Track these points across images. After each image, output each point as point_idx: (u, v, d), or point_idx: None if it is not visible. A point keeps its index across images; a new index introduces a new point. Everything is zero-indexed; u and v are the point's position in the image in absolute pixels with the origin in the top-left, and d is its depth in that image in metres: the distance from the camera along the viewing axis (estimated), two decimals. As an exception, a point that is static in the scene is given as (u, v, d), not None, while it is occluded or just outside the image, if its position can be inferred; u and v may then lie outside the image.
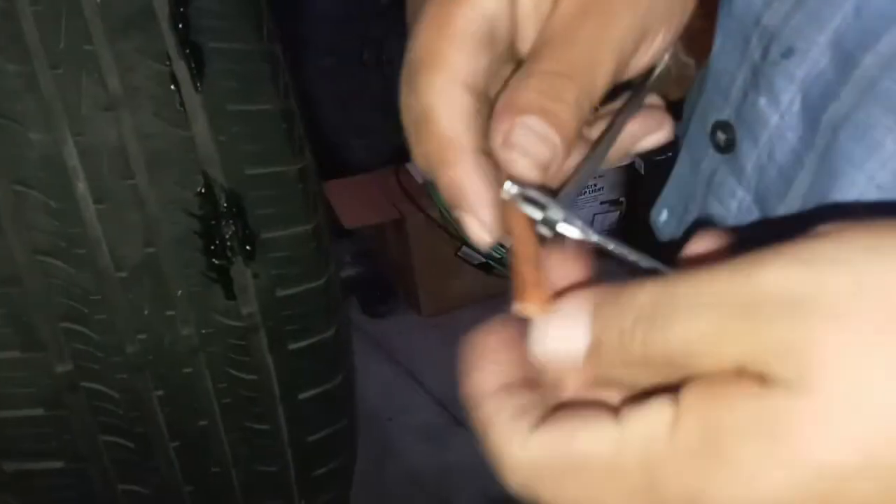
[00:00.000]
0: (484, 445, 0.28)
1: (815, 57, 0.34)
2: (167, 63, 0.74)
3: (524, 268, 0.29)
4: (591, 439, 0.25)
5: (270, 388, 0.81)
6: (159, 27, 0.74)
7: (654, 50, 0.35)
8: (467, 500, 1.57)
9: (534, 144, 0.31)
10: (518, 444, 0.26)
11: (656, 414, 0.24)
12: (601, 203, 1.93)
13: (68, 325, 0.75)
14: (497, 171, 0.32)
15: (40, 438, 0.78)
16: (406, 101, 0.33)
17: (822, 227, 0.24)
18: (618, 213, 1.95)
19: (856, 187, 0.33)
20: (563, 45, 0.32)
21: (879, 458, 0.22)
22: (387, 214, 1.88)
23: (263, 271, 0.78)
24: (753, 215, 0.39)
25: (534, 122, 0.31)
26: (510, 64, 0.35)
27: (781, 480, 0.22)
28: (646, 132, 0.37)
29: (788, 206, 0.36)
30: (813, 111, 0.34)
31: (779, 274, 0.23)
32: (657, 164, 1.81)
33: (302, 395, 0.83)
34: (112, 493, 0.82)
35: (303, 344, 0.82)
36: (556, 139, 0.31)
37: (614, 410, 0.26)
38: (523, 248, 0.29)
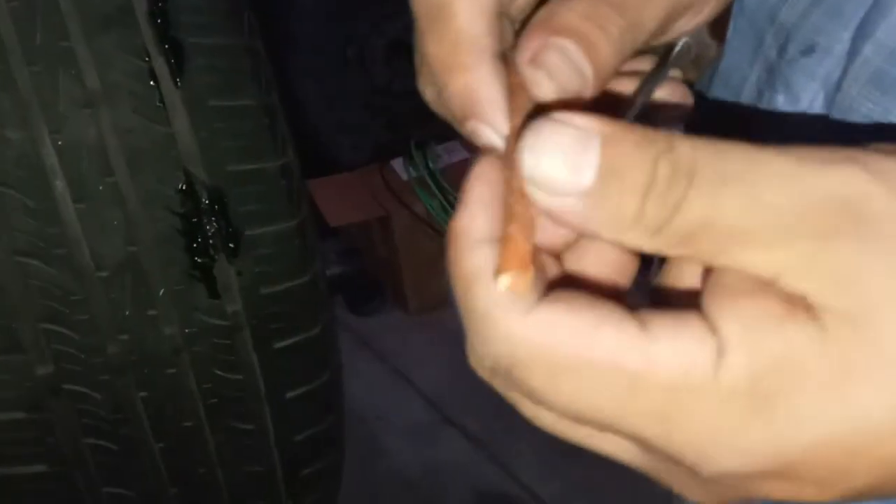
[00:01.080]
0: (464, 310, 0.23)
1: (839, 54, 0.33)
2: (146, 59, 0.73)
3: (515, 229, 0.23)
4: (614, 341, 0.21)
5: (256, 387, 0.80)
6: (138, 23, 0.73)
7: (699, 20, 0.32)
8: (457, 498, 1.57)
9: (564, 70, 0.27)
10: (515, 314, 0.22)
11: (696, 342, 0.20)
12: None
13: (49, 326, 0.74)
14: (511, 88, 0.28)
15: (22, 442, 0.77)
16: None
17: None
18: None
19: None
20: None
21: None
22: (372, 212, 1.87)
23: (247, 269, 0.78)
24: None
25: (569, 46, 0.26)
26: None
27: (844, 429, 0.20)
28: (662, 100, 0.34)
29: None
30: (828, 106, 0.34)
31: (854, 183, 0.20)
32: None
33: (288, 394, 0.82)
34: (97, 496, 0.81)
35: (288, 342, 0.81)
36: (588, 71, 0.27)
37: (632, 311, 0.21)
38: (521, 207, 0.23)
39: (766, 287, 0.21)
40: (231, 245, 0.77)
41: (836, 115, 0.33)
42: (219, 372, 0.78)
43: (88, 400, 0.77)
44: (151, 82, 0.73)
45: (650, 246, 0.21)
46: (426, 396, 1.75)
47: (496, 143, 0.28)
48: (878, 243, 0.20)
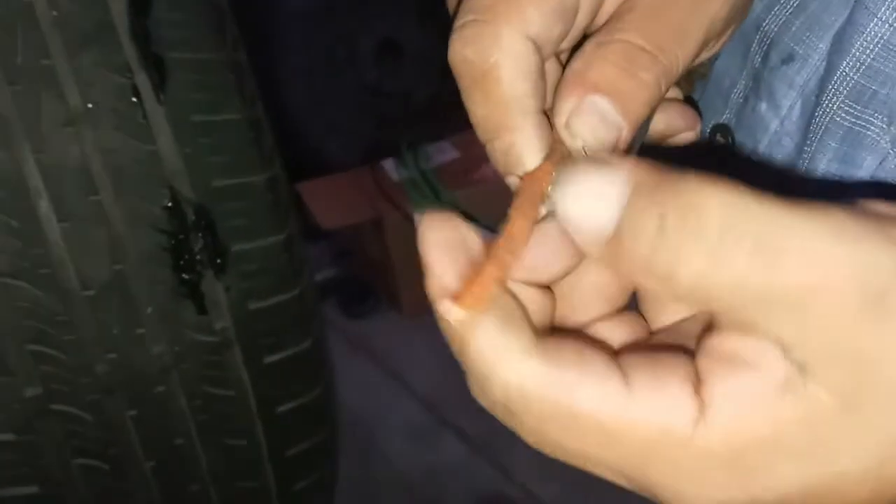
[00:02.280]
0: (462, 354, 0.25)
1: (815, 63, 0.34)
2: (128, 76, 0.72)
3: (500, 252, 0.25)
4: (595, 396, 0.22)
5: (247, 403, 0.79)
6: (119, 39, 0.72)
7: (717, 49, 0.32)
8: (455, 501, 1.57)
9: (598, 128, 0.28)
10: (511, 364, 0.23)
11: (675, 402, 0.21)
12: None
13: (35, 347, 0.73)
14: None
15: (12, 464, 0.76)
16: (461, 54, 0.29)
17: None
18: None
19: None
20: (652, 15, 0.28)
21: None
22: (364, 214, 1.87)
23: (235, 285, 0.77)
24: None
25: (603, 104, 0.27)
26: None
27: (817, 489, 0.21)
28: (670, 126, 0.34)
29: None
30: (806, 117, 0.34)
31: (880, 261, 0.20)
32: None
33: (280, 409, 0.81)
34: (88, 517, 0.80)
35: (278, 357, 0.80)
36: (623, 125, 0.28)
37: (616, 359, 0.23)
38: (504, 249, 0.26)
39: (766, 355, 0.21)
40: (218, 261, 0.76)
41: (818, 128, 0.33)
42: (209, 389, 0.78)
43: (78, 420, 0.76)
44: (134, 99, 0.73)
45: (666, 293, 0.22)
46: (422, 398, 1.75)
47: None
48: (877, 329, 0.20)
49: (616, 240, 0.22)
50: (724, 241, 0.20)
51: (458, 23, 0.30)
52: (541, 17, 0.28)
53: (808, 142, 0.34)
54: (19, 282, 0.72)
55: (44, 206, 0.72)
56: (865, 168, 0.32)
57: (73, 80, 0.71)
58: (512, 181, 0.30)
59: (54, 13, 0.70)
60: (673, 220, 0.21)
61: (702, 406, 0.21)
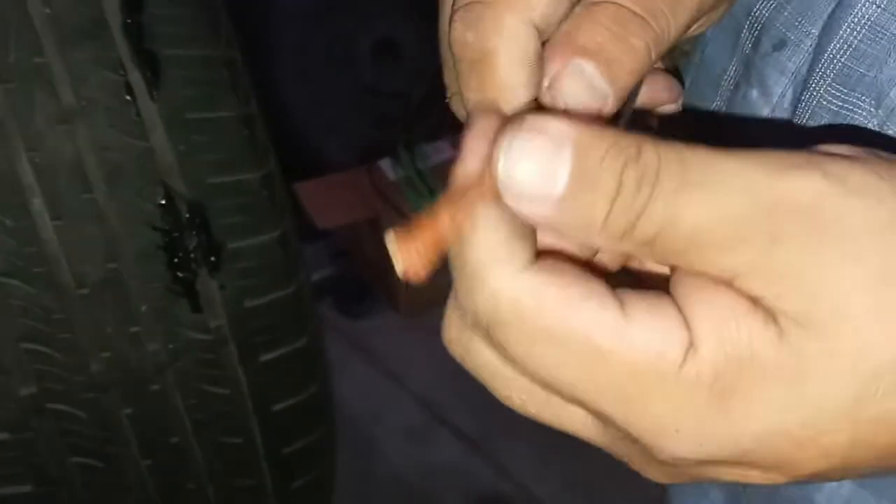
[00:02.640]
0: (455, 264, 0.24)
1: (807, 49, 0.33)
2: (122, 73, 0.72)
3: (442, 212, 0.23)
4: (593, 316, 0.22)
5: (243, 401, 0.79)
6: (112, 36, 0.72)
7: (711, 22, 0.32)
8: (452, 500, 1.57)
9: (581, 94, 0.27)
10: (507, 274, 0.22)
11: (669, 332, 0.22)
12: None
13: (30, 345, 0.73)
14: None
15: (8, 463, 0.76)
16: (460, 36, 0.28)
17: (855, 150, 0.22)
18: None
19: None
20: None
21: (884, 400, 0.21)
22: (361, 213, 1.87)
23: (230, 282, 0.77)
24: None
25: (589, 68, 0.26)
26: None
27: (794, 423, 0.22)
28: (654, 98, 0.34)
29: None
30: (795, 103, 0.34)
31: (810, 187, 0.21)
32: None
33: (276, 407, 0.81)
34: (84, 516, 0.80)
35: (274, 355, 0.80)
36: (608, 92, 0.27)
37: (614, 289, 0.22)
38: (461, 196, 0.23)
39: (727, 286, 0.22)
40: (213, 259, 0.76)
41: (805, 111, 0.33)
42: (205, 387, 0.77)
43: (73, 419, 0.76)
44: (128, 96, 0.72)
45: (618, 248, 0.22)
46: (419, 397, 1.75)
47: None
48: (829, 246, 0.21)
49: (567, 206, 0.21)
50: (677, 193, 0.21)
51: (460, 2, 0.29)
52: (545, 1, 0.28)
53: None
54: (13, 280, 0.72)
55: (37, 203, 0.71)
56: None
57: (66, 78, 0.71)
58: None
59: (47, 10, 0.70)
60: (630, 178, 0.21)
61: (692, 338, 0.21)
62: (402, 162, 1.90)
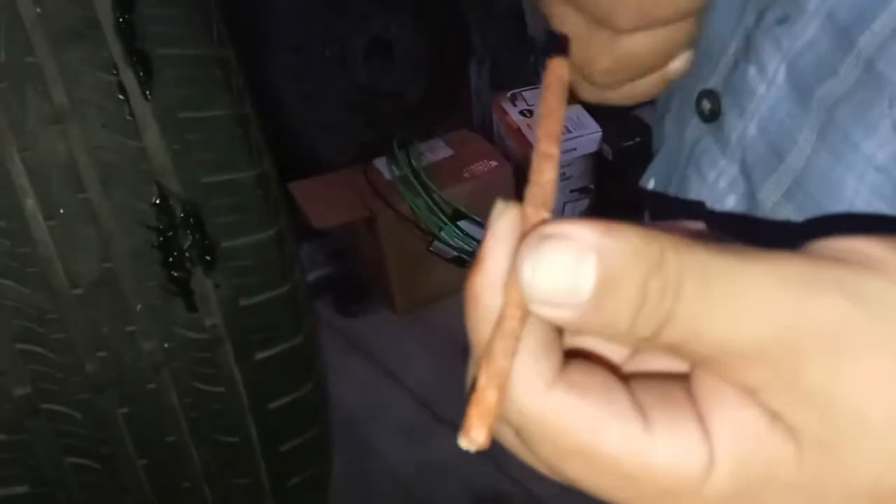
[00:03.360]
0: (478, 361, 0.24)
1: (802, 26, 0.33)
2: (114, 72, 0.72)
3: (491, 373, 0.22)
4: (618, 438, 0.22)
5: (239, 399, 0.79)
6: (104, 36, 0.72)
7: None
8: (450, 497, 1.57)
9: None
10: (534, 393, 0.23)
11: (691, 450, 0.22)
12: (570, 192, 1.92)
13: (24, 346, 0.73)
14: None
15: (3, 464, 0.76)
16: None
17: (871, 250, 0.22)
18: (587, 201, 1.94)
19: (855, 168, 0.32)
20: None
21: None
22: (357, 213, 1.86)
23: (225, 281, 0.77)
24: (738, 188, 0.38)
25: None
26: None
27: None
28: None
29: (778, 181, 0.35)
30: (804, 86, 0.34)
31: (831, 309, 0.21)
32: (625, 151, 1.81)
33: (272, 405, 0.81)
34: (81, 516, 0.80)
35: (270, 353, 0.80)
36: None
37: (632, 392, 0.23)
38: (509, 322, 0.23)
39: (749, 397, 0.22)
40: (208, 258, 0.76)
41: (824, 104, 0.32)
42: (200, 386, 0.77)
43: (68, 419, 0.76)
44: (120, 96, 0.72)
45: (643, 349, 0.23)
46: (417, 396, 1.75)
47: None
48: (852, 370, 0.21)
49: (592, 312, 0.21)
50: (701, 303, 0.21)
51: None
52: None
53: (812, 116, 0.33)
54: (7, 280, 0.72)
55: (30, 204, 0.71)
56: (864, 150, 0.32)
57: (58, 78, 0.71)
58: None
59: (38, 10, 0.70)
60: (654, 286, 0.21)
61: (711, 454, 0.22)
62: (397, 161, 1.90)
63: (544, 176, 0.25)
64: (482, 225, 1.88)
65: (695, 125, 0.40)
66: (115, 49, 0.72)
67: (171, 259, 0.74)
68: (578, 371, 0.23)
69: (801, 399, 0.21)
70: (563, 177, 1.91)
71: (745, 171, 0.37)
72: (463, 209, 1.86)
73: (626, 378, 0.24)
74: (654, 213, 0.48)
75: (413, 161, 1.89)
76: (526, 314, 0.22)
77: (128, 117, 0.72)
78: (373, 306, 1.94)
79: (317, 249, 1.97)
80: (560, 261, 0.21)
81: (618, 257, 0.21)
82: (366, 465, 1.62)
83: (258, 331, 0.79)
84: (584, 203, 1.95)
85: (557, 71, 0.26)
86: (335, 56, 2.03)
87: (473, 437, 0.22)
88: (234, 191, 0.77)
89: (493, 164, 1.89)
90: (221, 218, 0.76)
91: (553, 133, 0.25)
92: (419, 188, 1.85)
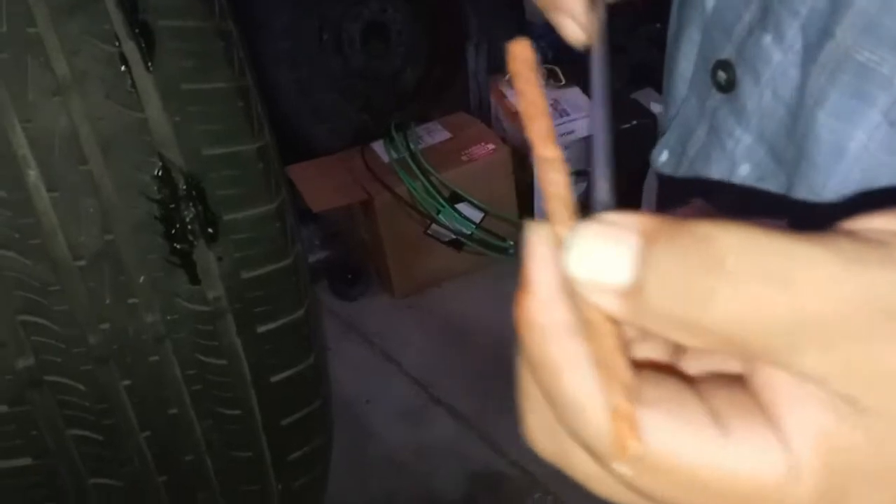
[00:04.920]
0: (549, 395, 0.23)
1: None
2: (116, 44, 0.72)
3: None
4: (695, 450, 0.21)
5: (241, 372, 0.79)
6: (106, 7, 0.71)
7: None
8: (448, 479, 1.57)
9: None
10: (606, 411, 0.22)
11: (770, 454, 0.21)
12: (569, 174, 1.92)
13: (27, 318, 0.73)
14: None
15: (5, 436, 0.76)
16: None
17: None
18: (585, 184, 1.94)
19: (870, 123, 0.32)
20: None
21: None
22: (354, 196, 1.86)
23: (227, 254, 0.77)
24: (754, 156, 0.38)
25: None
26: None
27: None
28: None
29: (798, 145, 0.35)
30: (810, 49, 0.34)
31: (866, 277, 0.20)
32: (622, 134, 1.81)
33: (273, 378, 0.81)
34: (83, 488, 0.80)
35: (272, 326, 0.80)
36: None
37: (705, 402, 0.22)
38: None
39: (819, 390, 0.21)
40: (210, 230, 0.76)
41: (829, 61, 0.33)
42: (203, 358, 0.77)
43: (71, 391, 0.76)
44: (122, 67, 0.72)
45: (695, 343, 0.21)
46: (414, 378, 1.75)
47: (578, 34, 0.32)
48: None
49: (634, 295, 0.21)
50: (744, 282, 0.20)
51: None
52: None
53: (816, 75, 0.34)
54: (9, 252, 0.72)
55: (32, 175, 0.71)
56: (879, 105, 0.32)
57: (59, 49, 0.71)
58: (556, 18, 0.32)
59: (40, -20, 0.69)
60: (693, 267, 0.20)
61: (794, 464, 0.21)
62: (394, 144, 1.89)
63: (554, 182, 0.24)
64: (480, 208, 1.88)
65: (713, 96, 0.40)
66: (117, 20, 0.72)
67: (173, 231, 0.74)
68: (649, 384, 0.22)
69: (875, 379, 0.20)
70: (560, 160, 1.91)
71: (763, 139, 0.37)
72: (460, 192, 1.86)
73: (691, 382, 0.23)
74: (666, 191, 0.48)
75: (410, 144, 1.89)
76: (611, 321, 0.22)
77: (129, 89, 0.72)
78: (370, 290, 1.94)
79: (313, 233, 1.96)
80: (602, 241, 0.21)
81: (662, 236, 0.20)
82: (363, 448, 1.62)
83: (260, 303, 0.79)
84: (583, 186, 1.95)
85: (522, 55, 0.25)
86: (331, 40, 2.02)
87: (633, 451, 0.22)
88: (235, 163, 0.77)
89: (491, 146, 1.89)
90: (223, 190, 0.76)
91: (544, 132, 0.24)
92: (416, 171, 1.85)
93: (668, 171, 0.45)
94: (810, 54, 0.34)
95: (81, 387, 0.75)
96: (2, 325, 0.72)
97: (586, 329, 0.22)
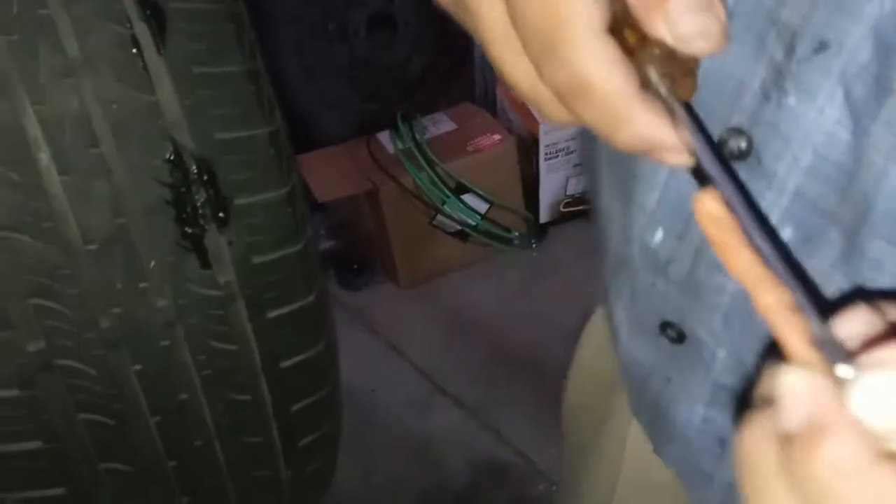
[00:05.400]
0: (797, 476, 0.22)
1: (852, 48, 0.32)
2: (127, 25, 0.71)
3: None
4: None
5: (251, 357, 0.79)
6: (117, -12, 0.71)
7: None
8: (453, 468, 1.57)
9: (701, 20, 0.27)
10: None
11: None
12: (574, 166, 1.92)
13: (38, 301, 0.73)
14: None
15: (16, 419, 0.76)
16: (549, 71, 0.29)
17: None
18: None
19: None
20: None
21: None
22: (360, 186, 1.86)
23: (238, 238, 0.76)
24: (793, 219, 0.37)
25: None
26: None
27: None
28: None
29: (855, 203, 0.35)
30: (863, 108, 0.33)
31: None
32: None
33: (284, 364, 0.81)
34: (93, 472, 0.80)
35: (283, 311, 0.80)
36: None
37: None
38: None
39: None
40: (221, 214, 0.76)
41: (891, 116, 0.32)
42: (213, 343, 0.77)
43: (81, 375, 0.76)
44: (133, 50, 0.72)
45: None
46: (420, 368, 1.75)
47: (685, 161, 0.29)
48: None
49: None
50: None
51: (506, 43, 0.31)
52: None
53: (881, 132, 0.32)
54: (21, 235, 0.71)
55: (44, 158, 0.71)
56: None
57: (71, 31, 0.70)
58: (658, 156, 0.30)
59: (51, -38, 0.69)
60: None
61: None
62: (400, 134, 1.89)
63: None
64: (485, 198, 1.87)
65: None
66: (128, 2, 0.71)
67: (184, 215, 0.74)
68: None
69: None
70: (566, 151, 1.90)
71: (804, 198, 0.37)
72: (466, 182, 1.85)
73: None
74: None
75: (416, 134, 1.88)
76: None
77: (141, 71, 0.72)
78: (375, 280, 1.94)
79: (319, 223, 1.96)
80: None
81: None
82: (368, 437, 1.62)
83: (271, 289, 0.78)
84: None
85: (714, 214, 0.25)
86: (337, 29, 2.02)
87: None
88: (247, 147, 0.77)
89: (497, 137, 1.89)
90: (235, 175, 0.76)
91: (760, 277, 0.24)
92: (422, 161, 1.85)
93: (666, 255, 0.43)
94: (866, 110, 0.33)
95: (92, 371, 0.75)
96: (13, 308, 0.72)
97: None
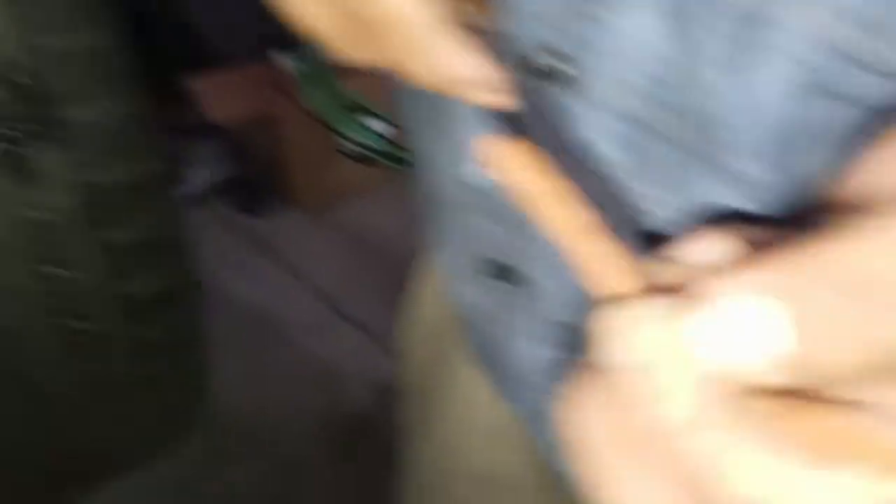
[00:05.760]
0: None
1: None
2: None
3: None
4: None
5: (90, 284, 0.75)
6: None
7: None
8: (355, 392, 1.57)
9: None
10: None
11: None
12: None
13: None
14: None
15: None
16: (355, 5, 0.30)
17: None
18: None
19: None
20: None
21: None
22: (260, 108, 1.81)
23: (70, 158, 0.72)
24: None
25: None
26: None
27: None
28: None
29: (696, 121, 0.32)
30: (690, 18, 0.31)
31: None
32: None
33: (128, 290, 0.78)
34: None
35: (125, 235, 0.76)
36: None
37: None
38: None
39: None
40: (51, 132, 0.71)
41: (714, 24, 0.29)
42: (45, 269, 0.73)
43: None
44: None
45: None
46: (322, 293, 1.74)
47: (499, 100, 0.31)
48: None
49: (797, 362, 0.18)
50: None
51: None
52: None
53: (701, 42, 0.30)
54: None
55: None
56: None
57: None
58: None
59: None
60: None
61: None
62: (301, 55, 1.83)
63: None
64: (387, 121, 1.83)
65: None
66: None
67: (7, 131, 0.69)
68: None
69: None
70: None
71: (630, 121, 0.34)
72: (367, 105, 1.81)
73: None
74: None
75: (317, 55, 1.82)
76: None
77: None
78: (278, 205, 1.90)
79: (218, 147, 1.90)
80: (746, 325, 0.18)
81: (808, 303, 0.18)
82: (269, 364, 1.62)
83: (109, 211, 0.74)
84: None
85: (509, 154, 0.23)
86: (236, -57, 1.93)
87: None
88: (78, 59, 0.72)
89: (400, 58, 1.84)
90: (65, 88, 0.71)
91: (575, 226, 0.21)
92: (323, 83, 1.79)
93: (487, 191, 0.41)
94: (693, 20, 0.30)
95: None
96: None
97: None
